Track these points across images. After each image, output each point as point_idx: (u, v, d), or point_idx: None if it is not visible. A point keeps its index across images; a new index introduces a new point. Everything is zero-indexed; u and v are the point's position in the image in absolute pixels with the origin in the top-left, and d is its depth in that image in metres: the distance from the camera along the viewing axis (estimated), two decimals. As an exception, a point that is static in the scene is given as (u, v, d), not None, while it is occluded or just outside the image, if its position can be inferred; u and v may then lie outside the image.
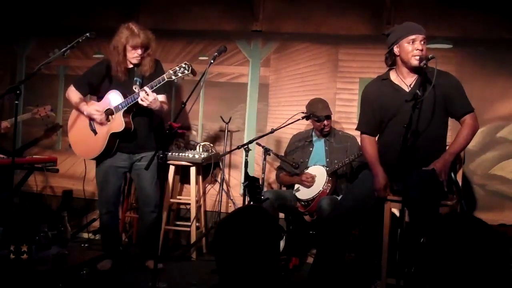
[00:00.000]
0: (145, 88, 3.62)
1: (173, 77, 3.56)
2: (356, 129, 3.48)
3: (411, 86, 3.16)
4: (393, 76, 3.25)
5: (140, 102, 3.62)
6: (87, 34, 3.48)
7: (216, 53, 3.37)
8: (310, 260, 4.18)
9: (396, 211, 3.43)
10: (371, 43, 4.53)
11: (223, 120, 4.67)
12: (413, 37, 3.08)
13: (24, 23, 5.29)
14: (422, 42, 3.09)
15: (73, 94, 3.90)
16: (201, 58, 4.91)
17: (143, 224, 3.97)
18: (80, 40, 3.49)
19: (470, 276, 1.31)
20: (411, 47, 3.08)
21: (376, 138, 3.40)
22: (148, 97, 3.59)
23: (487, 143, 4.28)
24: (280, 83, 4.80)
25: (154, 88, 3.62)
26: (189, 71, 3.53)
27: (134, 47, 3.72)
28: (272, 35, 4.80)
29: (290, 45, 4.77)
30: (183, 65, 3.54)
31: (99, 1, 5.12)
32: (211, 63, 3.30)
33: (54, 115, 4.93)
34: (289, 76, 4.77)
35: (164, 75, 3.59)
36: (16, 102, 3.19)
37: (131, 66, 3.83)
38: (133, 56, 3.76)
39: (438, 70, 3.10)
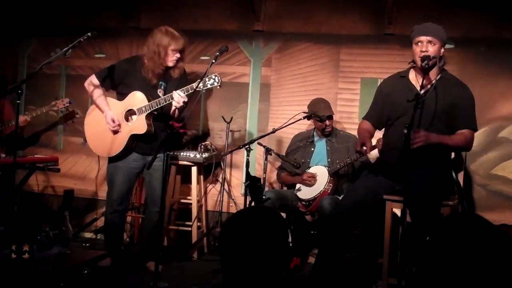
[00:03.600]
0: (179, 92, 3.60)
1: (202, 87, 3.54)
2: (363, 118, 3.47)
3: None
4: (411, 75, 3.27)
5: (174, 104, 3.61)
6: (89, 34, 3.48)
7: (217, 53, 3.37)
8: (311, 260, 4.18)
9: (397, 211, 3.43)
10: (372, 43, 4.54)
11: (225, 120, 4.66)
12: (419, 38, 3.09)
13: (26, 23, 5.29)
14: (429, 44, 3.08)
15: (94, 88, 3.82)
16: (202, 58, 4.91)
17: (148, 224, 3.97)
18: (82, 40, 3.48)
19: (472, 276, 1.31)
20: (418, 49, 3.09)
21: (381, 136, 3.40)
22: (181, 99, 3.58)
23: (488, 143, 4.28)
24: (282, 83, 4.80)
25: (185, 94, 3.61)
26: (219, 84, 3.55)
27: (175, 50, 3.73)
28: (273, 35, 4.79)
29: (292, 45, 4.76)
30: (213, 77, 3.54)
31: (100, 1, 5.12)
32: (212, 63, 3.30)
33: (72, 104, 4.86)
34: (290, 76, 4.77)
35: (194, 85, 3.56)
36: (18, 101, 3.19)
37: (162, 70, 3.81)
38: (172, 59, 3.75)
39: (457, 80, 3.20)
